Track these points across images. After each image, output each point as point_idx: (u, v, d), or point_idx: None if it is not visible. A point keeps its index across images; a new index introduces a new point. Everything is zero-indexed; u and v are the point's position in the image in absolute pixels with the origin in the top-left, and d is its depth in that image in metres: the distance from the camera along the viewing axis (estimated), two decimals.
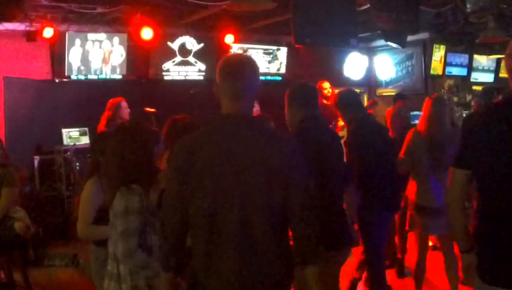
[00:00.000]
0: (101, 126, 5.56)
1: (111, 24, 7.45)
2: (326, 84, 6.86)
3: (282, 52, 9.16)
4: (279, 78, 9.33)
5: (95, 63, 7.43)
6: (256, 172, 1.85)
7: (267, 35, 8.75)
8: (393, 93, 10.16)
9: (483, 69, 11.27)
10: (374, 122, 4.30)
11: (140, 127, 2.73)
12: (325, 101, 6.40)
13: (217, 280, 1.88)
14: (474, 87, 11.25)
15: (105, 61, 7.51)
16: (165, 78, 8.14)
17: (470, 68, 10.74)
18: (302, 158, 1.96)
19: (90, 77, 7.42)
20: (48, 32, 6.74)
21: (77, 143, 6.92)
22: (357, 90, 10.77)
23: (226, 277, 1.86)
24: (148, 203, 2.46)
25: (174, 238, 1.96)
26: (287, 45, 8.92)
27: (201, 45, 8.27)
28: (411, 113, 8.60)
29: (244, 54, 2.25)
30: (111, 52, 7.53)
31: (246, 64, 2.03)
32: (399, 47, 6.56)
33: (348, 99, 4.00)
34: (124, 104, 5.63)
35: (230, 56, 2.10)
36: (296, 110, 3.10)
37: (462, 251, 2.31)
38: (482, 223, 2.18)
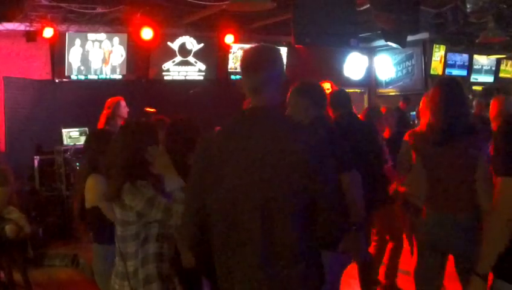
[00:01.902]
0: (100, 125, 5.55)
1: (111, 24, 7.45)
2: (327, 85, 6.88)
3: (282, 52, 9.13)
4: None
5: (95, 63, 7.43)
6: (277, 165, 1.78)
7: (267, 35, 8.75)
8: (393, 94, 10.21)
9: (483, 69, 11.28)
10: (356, 119, 4.28)
11: (147, 124, 2.73)
12: None
13: (239, 277, 1.83)
14: (474, 87, 11.27)
15: (105, 61, 7.51)
16: (165, 78, 8.15)
17: (470, 68, 10.75)
18: (329, 150, 1.88)
19: (90, 77, 7.42)
20: (48, 32, 6.74)
21: (77, 143, 6.91)
22: (357, 90, 10.82)
23: (248, 274, 1.81)
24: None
25: (195, 225, 1.95)
26: (287, 45, 8.93)
27: (201, 45, 8.27)
28: (411, 113, 8.64)
29: (265, 44, 2.09)
30: (111, 52, 7.53)
31: (264, 55, 1.93)
32: (399, 47, 6.56)
33: (337, 98, 4.05)
34: (123, 103, 5.62)
35: (249, 48, 1.99)
36: (311, 109, 3.01)
37: (483, 273, 2.08)
38: None
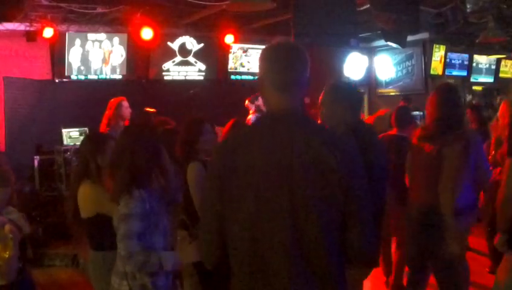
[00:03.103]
0: (103, 125, 5.56)
1: (111, 24, 7.46)
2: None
3: None
4: None
5: (95, 63, 7.43)
6: (310, 176, 1.63)
7: (267, 35, 8.75)
8: (393, 94, 10.21)
9: (483, 69, 11.28)
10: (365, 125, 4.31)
11: (148, 128, 2.73)
12: None
13: None
14: (474, 87, 11.26)
15: (105, 61, 7.51)
16: (165, 78, 8.15)
17: (470, 68, 10.74)
18: (361, 160, 1.75)
19: (90, 77, 7.42)
20: (48, 32, 6.74)
21: (77, 143, 6.90)
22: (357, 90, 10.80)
23: None
24: (153, 205, 2.48)
25: (214, 245, 1.77)
26: None
27: (201, 45, 8.27)
28: (411, 113, 8.63)
29: (297, 43, 1.93)
30: (111, 52, 7.53)
31: (299, 54, 1.78)
32: (399, 47, 6.56)
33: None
34: (125, 103, 5.64)
35: (279, 43, 1.85)
36: (348, 113, 2.89)
37: (504, 229, 2.61)
38: None
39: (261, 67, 1.79)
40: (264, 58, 1.79)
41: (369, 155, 2.72)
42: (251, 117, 6.50)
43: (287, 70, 1.73)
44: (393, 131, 4.87)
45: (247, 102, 6.74)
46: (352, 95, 3.02)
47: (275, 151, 1.66)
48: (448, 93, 3.49)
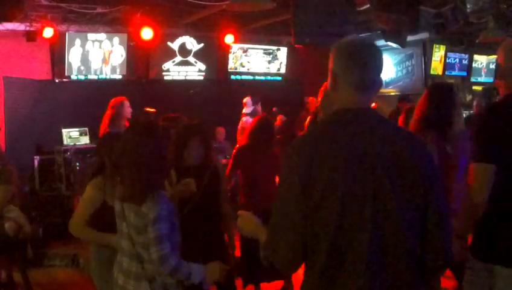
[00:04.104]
0: (104, 125, 5.56)
1: (111, 24, 7.46)
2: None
3: (282, 52, 9.16)
4: (279, 78, 9.33)
5: (95, 63, 7.43)
6: (395, 178, 1.57)
7: (267, 35, 8.75)
8: (393, 93, 10.20)
9: (483, 69, 11.27)
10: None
11: (154, 125, 2.68)
12: None
13: None
14: (474, 87, 11.25)
15: (105, 61, 7.51)
16: (165, 78, 8.15)
17: (470, 68, 10.74)
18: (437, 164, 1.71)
19: (90, 77, 7.42)
20: (48, 32, 6.74)
21: (77, 143, 6.91)
22: None
23: None
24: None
25: (298, 246, 1.62)
26: (287, 44, 8.93)
27: (201, 45, 8.27)
28: None
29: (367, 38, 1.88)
30: (111, 52, 7.53)
31: (375, 50, 1.72)
32: (399, 47, 6.56)
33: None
34: (127, 103, 5.64)
35: (355, 39, 1.76)
36: None
37: (464, 235, 2.43)
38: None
39: (336, 64, 1.70)
40: (341, 54, 1.70)
41: None
42: (247, 120, 6.47)
43: (368, 69, 1.66)
44: None
45: (247, 98, 6.72)
46: None
47: (358, 148, 1.59)
48: (434, 92, 3.44)
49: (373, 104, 8.10)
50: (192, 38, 8.19)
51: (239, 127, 6.92)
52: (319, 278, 1.61)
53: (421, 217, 1.62)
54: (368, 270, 1.55)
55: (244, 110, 6.65)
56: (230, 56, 8.75)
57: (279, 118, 7.23)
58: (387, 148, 1.59)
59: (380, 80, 1.72)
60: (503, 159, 2.23)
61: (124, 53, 7.62)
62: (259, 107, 6.61)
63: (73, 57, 7.21)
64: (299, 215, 1.59)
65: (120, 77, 7.69)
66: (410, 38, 6.70)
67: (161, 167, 2.44)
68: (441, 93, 3.39)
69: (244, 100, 6.72)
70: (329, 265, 1.59)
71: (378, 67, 1.69)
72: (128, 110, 5.60)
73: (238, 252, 3.79)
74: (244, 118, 6.70)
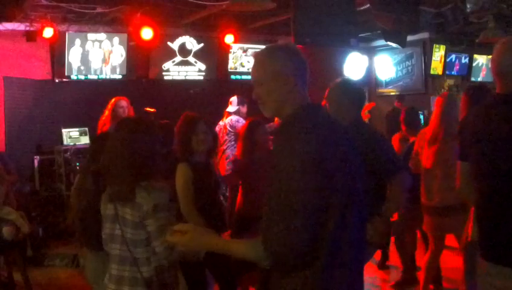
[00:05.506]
0: (100, 125, 5.56)
1: (111, 24, 7.46)
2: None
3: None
4: None
5: (95, 63, 7.43)
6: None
7: (267, 35, 8.75)
8: (393, 93, 10.21)
9: (483, 69, 11.26)
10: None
11: (143, 119, 2.68)
12: None
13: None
14: None
15: (105, 61, 7.51)
16: (165, 78, 8.14)
17: (470, 68, 10.74)
18: None
19: (90, 77, 7.42)
20: (48, 32, 6.74)
21: (77, 143, 6.92)
22: None
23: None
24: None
25: (311, 234, 1.60)
26: None
27: (201, 45, 8.27)
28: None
29: None
30: (111, 52, 7.53)
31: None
32: (399, 47, 6.56)
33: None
34: (122, 103, 5.61)
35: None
36: (352, 110, 3.05)
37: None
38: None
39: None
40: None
41: (376, 149, 2.87)
42: (232, 118, 6.37)
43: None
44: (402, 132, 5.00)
45: (233, 97, 6.60)
46: (357, 92, 3.12)
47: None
48: (473, 94, 3.56)
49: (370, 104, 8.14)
50: (192, 38, 8.18)
51: (221, 125, 6.58)
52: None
53: None
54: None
55: (228, 109, 6.52)
56: (230, 56, 8.74)
57: (277, 119, 7.15)
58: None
59: None
60: (487, 159, 2.18)
61: (124, 53, 7.62)
62: (244, 109, 6.48)
63: (73, 57, 7.21)
64: (323, 202, 1.61)
65: (120, 76, 7.69)
66: (410, 38, 6.70)
67: (152, 161, 2.40)
68: (480, 94, 3.49)
69: (231, 98, 6.59)
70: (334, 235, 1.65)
71: None
72: (121, 110, 5.56)
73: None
74: (227, 118, 6.50)
